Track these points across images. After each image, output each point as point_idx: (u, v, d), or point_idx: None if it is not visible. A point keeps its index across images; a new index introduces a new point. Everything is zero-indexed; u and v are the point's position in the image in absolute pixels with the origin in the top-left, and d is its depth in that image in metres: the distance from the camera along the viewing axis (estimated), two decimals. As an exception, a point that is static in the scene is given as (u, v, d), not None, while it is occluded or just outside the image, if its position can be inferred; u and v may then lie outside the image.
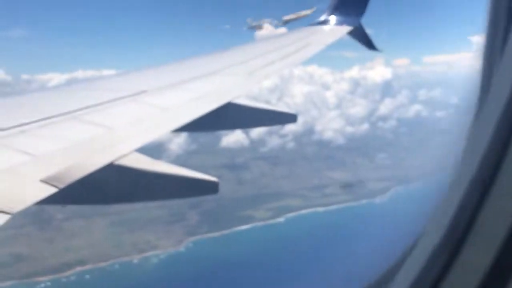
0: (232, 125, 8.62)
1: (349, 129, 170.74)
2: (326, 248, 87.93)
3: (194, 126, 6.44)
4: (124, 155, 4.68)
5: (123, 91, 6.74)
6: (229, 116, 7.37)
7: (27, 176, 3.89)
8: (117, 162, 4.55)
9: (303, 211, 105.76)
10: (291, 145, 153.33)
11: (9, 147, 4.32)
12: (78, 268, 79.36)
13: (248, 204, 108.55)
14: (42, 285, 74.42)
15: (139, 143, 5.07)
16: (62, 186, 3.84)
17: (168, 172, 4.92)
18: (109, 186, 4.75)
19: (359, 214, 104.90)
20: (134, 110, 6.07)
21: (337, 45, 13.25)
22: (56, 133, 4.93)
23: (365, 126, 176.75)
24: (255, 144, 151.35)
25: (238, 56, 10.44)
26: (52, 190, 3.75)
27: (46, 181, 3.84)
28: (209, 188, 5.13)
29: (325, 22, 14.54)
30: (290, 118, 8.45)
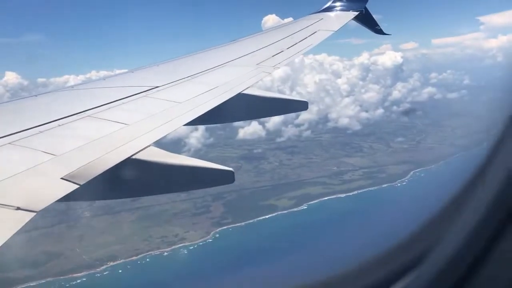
0: (245, 116, 8.68)
1: (364, 114, 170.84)
2: (350, 233, 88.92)
3: (207, 119, 6.52)
4: (141, 150, 4.79)
5: (136, 88, 6.85)
6: (241, 107, 7.38)
7: (49, 174, 4.00)
8: (134, 157, 4.65)
9: (325, 198, 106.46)
10: (307, 133, 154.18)
11: (29, 147, 4.43)
12: (111, 263, 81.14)
13: (269, 194, 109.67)
14: (78, 281, 76.30)
15: (154, 137, 5.19)
16: (82, 182, 3.96)
17: (185, 163, 5.03)
18: (128, 180, 4.85)
19: (380, 198, 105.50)
20: (147, 106, 6.18)
21: (344, 32, 13.58)
22: (73, 132, 5.05)
23: (380, 111, 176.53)
24: (271, 135, 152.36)
25: (246, 47, 10.38)
26: (73, 187, 3.87)
27: (67, 179, 3.96)
28: (226, 178, 5.20)
29: (330, 8, 14.32)
30: (302, 105, 8.40)
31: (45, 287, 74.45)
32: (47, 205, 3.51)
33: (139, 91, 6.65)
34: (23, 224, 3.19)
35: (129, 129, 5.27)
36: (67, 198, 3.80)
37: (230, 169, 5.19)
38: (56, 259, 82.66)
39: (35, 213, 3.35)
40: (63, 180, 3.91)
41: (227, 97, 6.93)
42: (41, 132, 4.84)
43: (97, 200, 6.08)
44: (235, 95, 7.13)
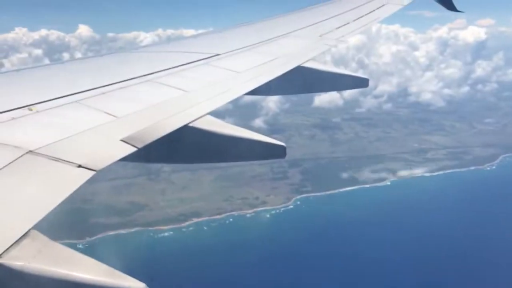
0: (303, 90, 8.40)
1: (447, 91, 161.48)
2: (439, 214, 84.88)
3: (265, 90, 6.53)
4: (198, 118, 4.84)
5: (197, 54, 6.91)
6: (299, 80, 7.29)
7: (109, 135, 4.07)
8: (191, 125, 4.71)
9: (409, 175, 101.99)
10: (387, 106, 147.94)
11: (92, 108, 4.56)
12: (195, 220, 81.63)
13: (347, 166, 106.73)
14: (166, 234, 77.17)
15: (212, 107, 5.19)
16: (140, 146, 4.02)
17: (238, 135, 4.96)
18: (183, 147, 4.91)
19: (468, 180, 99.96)
20: (207, 74, 6.21)
21: (416, 4, 12.29)
22: (134, 95, 5.13)
23: (465, 89, 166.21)
24: (348, 104, 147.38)
25: (311, 17, 10.21)
26: (131, 150, 3.93)
27: (126, 141, 4.02)
28: (277, 152, 5.13)
29: None
30: (362, 82, 7.92)
31: (134, 235, 75.97)
32: (106, 165, 3.57)
33: (200, 58, 6.71)
34: (83, 181, 3.28)
35: (187, 96, 5.35)
36: (125, 159, 3.88)
37: (283, 144, 5.10)
38: (142, 210, 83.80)
39: (94, 172, 3.42)
40: (122, 142, 3.98)
41: (286, 69, 6.83)
42: (103, 93, 4.99)
43: (150, 163, 5.70)
44: (294, 68, 7.00)
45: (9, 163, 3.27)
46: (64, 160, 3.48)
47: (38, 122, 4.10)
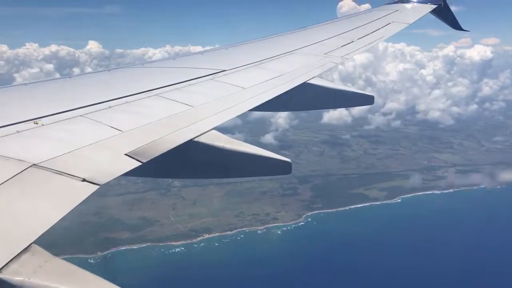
0: (308, 106, 8.53)
1: (456, 109, 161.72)
2: (450, 231, 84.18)
3: (271, 106, 6.51)
4: (203, 133, 4.83)
5: (204, 70, 6.95)
6: (305, 96, 7.30)
7: (114, 149, 4.07)
8: (196, 139, 4.70)
9: (419, 193, 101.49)
10: (395, 123, 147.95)
11: (98, 122, 4.55)
12: (206, 235, 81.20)
13: (358, 183, 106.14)
14: (177, 249, 76.80)
15: (217, 122, 5.18)
16: (145, 160, 4.01)
17: (244, 150, 4.95)
18: (189, 162, 4.91)
19: (479, 199, 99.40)
20: (213, 89, 6.22)
21: (421, 23, 12.39)
22: (140, 109, 5.12)
23: (473, 107, 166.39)
24: (357, 121, 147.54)
25: (316, 35, 10.30)
26: (136, 164, 3.92)
27: (130, 155, 4.02)
28: (283, 168, 5.11)
29: (407, 0, 13.71)
30: (368, 99, 7.96)
31: (145, 251, 75.59)
32: (110, 179, 3.59)
33: (207, 74, 6.77)
34: (87, 195, 3.28)
35: (193, 111, 5.33)
36: (130, 173, 3.89)
37: (288, 160, 5.13)
38: (153, 226, 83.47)
39: (98, 186, 3.41)
40: (127, 156, 3.99)
41: (291, 86, 6.89)
42: (110, 107, 5.01)
43: (158, 178, 5.99)
44: (299, 84, 7.06)
45: (13, 176, 3.24)
46: (68, 174, 3.46)
47: (43, 136, 4.10)
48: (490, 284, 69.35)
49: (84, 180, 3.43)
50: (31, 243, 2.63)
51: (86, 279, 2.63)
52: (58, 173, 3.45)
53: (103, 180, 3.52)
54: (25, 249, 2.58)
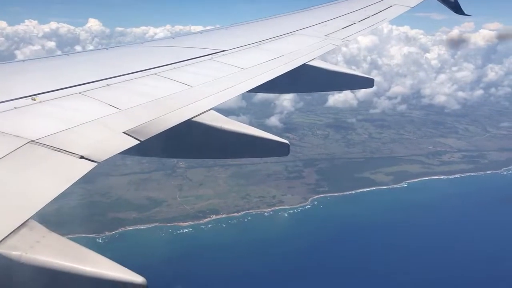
0: (308, 88, 8.42)
1: (461, 94, 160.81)
2: (456, 217, 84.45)
3: (270, 87, 6.45)
4: (202, 113, 4.79)
5: (203, 50, 6.88)
6: (304, 78, 7.20)
7: (112, 127, 4.03)
8: (194, 119, 4.66)
9: (425, 178, 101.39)
10: (401, 107, 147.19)
11: (96, 99, 4.50)
12: (213, 217, 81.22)
13: (363, 167, 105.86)
14: (185, 230, 76.93)
15: (216, 102, 5.14)
16: (143, 139, 3.97)
17: (241, 131, 4.90)
18: (186, 141, 4.89)
19: (485, 184, 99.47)
20: (212, 69, 6.15)
21: (424, 6, 12.17)
22: (139, 88, 5.08)
23: (479, 92, 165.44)
24: (362, 105, 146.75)
25: (317, 16, 10.16)
26: (134, 142, 3.89)
27: (129, 134, 3.97)
28: (281, 150, 5.08)
29: None
30: (367, 82, 7.91)
31: (153, 231, 75.59)
32: (108, 157, 3.56)
33: (206, 54, 6.68)
34: (85, 172, 3.26)
35: (192, 91, 5.28)
36: (128, 152, 3.88)
37: (286, 141, 5.03)
38: (160, 206, 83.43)
39: (96, 164, 3.39)
40: (125, 135, 3.96)
41: (291, 67, 6.79)
42: (108, 85, 4.94)
43: (156, 157, 5.88)
44: (299, 66, 6.96)
45: (10, 152, 3.21)
46: (66, 151, 3.43)
47: (41, 112, 4.05)
48: (496, 268, 69.72)
49: (82, 157, 3.41)
50: (28, 218, 2.62)
51: (82, 254, 2.62)
52: (55, 150, 3.41)
53: (101, 157, 3.50)
54: (23, 224, 2.58)
